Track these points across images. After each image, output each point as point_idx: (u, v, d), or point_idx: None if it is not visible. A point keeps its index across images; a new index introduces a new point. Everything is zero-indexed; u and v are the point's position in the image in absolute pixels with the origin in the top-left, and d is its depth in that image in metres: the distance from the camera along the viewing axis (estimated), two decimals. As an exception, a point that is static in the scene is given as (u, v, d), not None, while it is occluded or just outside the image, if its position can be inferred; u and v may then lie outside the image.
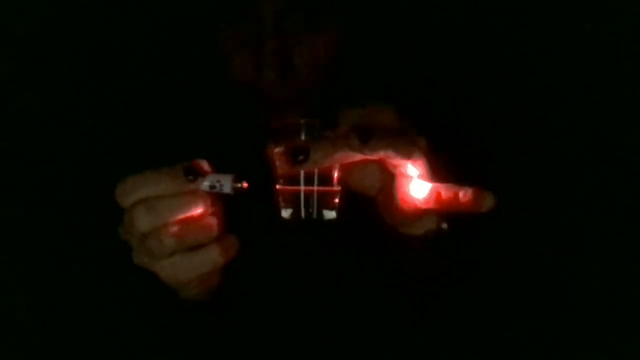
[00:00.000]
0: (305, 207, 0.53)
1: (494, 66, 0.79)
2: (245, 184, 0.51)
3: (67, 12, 0.80)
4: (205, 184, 0.51)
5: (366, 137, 0.47)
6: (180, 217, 0.51)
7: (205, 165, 0.52)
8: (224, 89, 0.67)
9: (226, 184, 0.51)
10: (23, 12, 0.80)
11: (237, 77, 0.65)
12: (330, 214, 0.53)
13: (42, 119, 0.80)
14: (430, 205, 0.50)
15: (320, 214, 0.53)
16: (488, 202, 0.48)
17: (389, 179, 0.52)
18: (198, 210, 0.51)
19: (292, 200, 0.53)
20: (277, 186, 0.53)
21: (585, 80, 0.79)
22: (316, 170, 0.52)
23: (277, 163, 0.52)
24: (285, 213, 0.53)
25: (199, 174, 0.51)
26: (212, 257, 0.52)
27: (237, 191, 0.51)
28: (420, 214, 0.51)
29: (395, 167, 0.50)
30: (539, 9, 0.80)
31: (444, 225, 0.53)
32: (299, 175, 0.52)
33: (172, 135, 0.69)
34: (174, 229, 0.50)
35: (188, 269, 0.52)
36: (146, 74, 0.76)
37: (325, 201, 0.53)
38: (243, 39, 0.63)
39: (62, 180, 0.75)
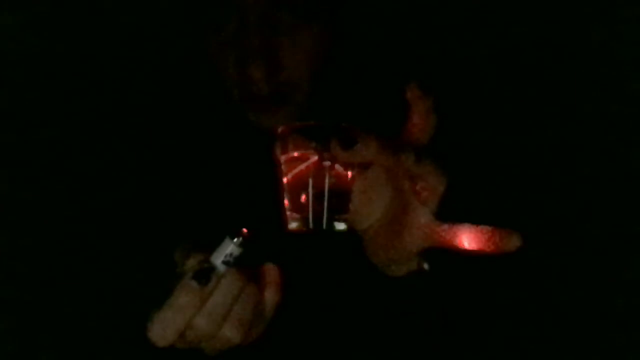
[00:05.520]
0: (314, 216, 0.48)
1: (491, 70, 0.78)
2: (244, 231, 0.48)
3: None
4: (221, 269, 0.48)
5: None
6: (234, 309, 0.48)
7: (197, 252, 0.49)
8: (215, 90, 0.64)
9: (232, 249, 0.48)
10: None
11: (225, 76, 0.63)
12: (341, 225, 0.49)
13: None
14: (453, 244, 0.48)
15: (330, 225, 0.49)
16: (515, 242, 0.47)
17: (402, 208, 0.49)
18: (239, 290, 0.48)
19: (300, 209, 0.49)
20: (284, 188, 0.49)
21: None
22: (327, 180, 0.48)
23: (285, 166, 0.48)
24: (292, 223, 0.49)
25: (210, 272, 0.47)
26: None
27: (246, 244, 0.48)
28: (415, 251, 0.50)
29: (422, 197, 0.48)
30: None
31: (426, 266, 0.51)
32: (308, 182, 0.48)
33: (166, 139, 0.66)
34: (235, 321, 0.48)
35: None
36: (130, 75, 0.73)
37: (336, 210, 0.49)
38: (229, 35, 0.61)
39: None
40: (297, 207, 0.49)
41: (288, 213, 0.49)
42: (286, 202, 0.49)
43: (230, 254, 0.48)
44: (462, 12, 0.79)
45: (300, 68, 0.62)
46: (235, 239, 0.48)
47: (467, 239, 0.48)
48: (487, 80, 0.78)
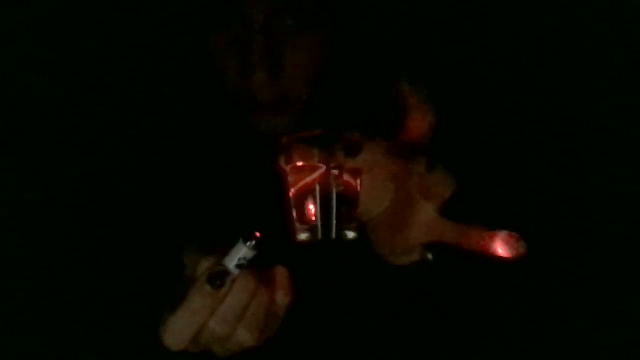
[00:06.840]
0: (322, 226, 0.48)
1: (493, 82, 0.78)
2: (257, 234, 0.47)
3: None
4: (235, 272, 0.47)
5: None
6: (247, 312, 0.47)
7: (209, 255, 0.48)
8: (220, 97, 0.64)
9: (246, 252, 0.47)
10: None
11: (226, 80, 0.62)
12: (350, 234, 0.48)
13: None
14: (455, 242, 0.48)
15: (339, 234, 0.48)
16: (519, 249, 0.46)
17: (406, 202, 0.49)
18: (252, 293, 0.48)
19: (307, 219, 0.48)
20: (291, 198, 0.48)
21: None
22: (334, 188, 0.48)
23: (291, 176, 0.48)
24: (301, 235, 0.48)
25: (224, 276, 0.46)
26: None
27: (259, 246, 0.47)
28: (417, 244, 0.49)
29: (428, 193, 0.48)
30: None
31: (429, 256, 0.51)
32: (315, 190, 0.48)
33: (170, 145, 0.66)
34: (248, 324, 0.47)
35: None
36: (133, 79, 0.72)
37: (345, 219, 0.48)
38: (232, 40, 0.61)
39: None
40: (305, 217, 0.48)
41: (296, 224, 0.49)
42: (293, 212, 0.49)
43: (244, 257, 0.47)
44: (463, 13, 0.79)
45: (302, 73, 0.62)
46: (249, 242, 0.47)
47: (470, 240, 0.47)
48: (489, 80, 0.77)
